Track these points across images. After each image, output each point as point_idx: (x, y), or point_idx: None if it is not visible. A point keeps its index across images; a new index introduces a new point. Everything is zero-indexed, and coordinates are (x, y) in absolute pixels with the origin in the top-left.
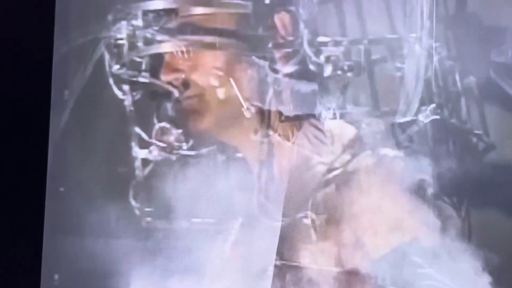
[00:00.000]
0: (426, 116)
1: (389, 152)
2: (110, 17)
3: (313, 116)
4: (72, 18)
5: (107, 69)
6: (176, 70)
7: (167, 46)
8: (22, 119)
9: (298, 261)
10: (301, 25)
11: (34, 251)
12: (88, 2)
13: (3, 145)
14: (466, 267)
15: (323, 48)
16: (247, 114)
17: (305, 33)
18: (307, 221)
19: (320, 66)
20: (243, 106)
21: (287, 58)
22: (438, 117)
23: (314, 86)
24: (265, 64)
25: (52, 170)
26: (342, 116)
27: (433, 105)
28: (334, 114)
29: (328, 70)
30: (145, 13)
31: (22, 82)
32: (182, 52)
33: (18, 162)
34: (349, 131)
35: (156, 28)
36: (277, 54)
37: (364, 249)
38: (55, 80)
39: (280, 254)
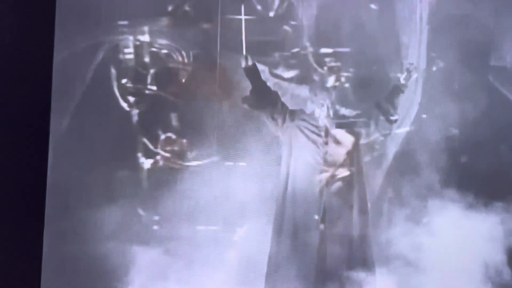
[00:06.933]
0: (405, 79)
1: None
2: (116, 32)
3: (306, 113)
4: (73, 24)
5: (114, 82)
6: (181, 82)
7: (172, 59)
8: (22, 123)
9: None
10: (305, 38)
11: (34, 255)
12: (88, 8)
13: (3, 148)
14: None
15: (326, 59)
16: (243, 63)
17: (308, 45)
18: (317, 217)
19: (322, 76)
20: (243, 54)
21: (290, 67)
22: (416, 75)
23: (308, 88)
24: (265, 69)
25: (53, 175)
26: (335, 115)
27: (408, 65)
28: (328, 111)
29: (331, 81)
30: (152, 28)
31: (22, 86)
32: (186, 64)
33: (18, 167)
34: (349, 140)
35: (161, 42)
36: (281, 63)
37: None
38: (55, 85)
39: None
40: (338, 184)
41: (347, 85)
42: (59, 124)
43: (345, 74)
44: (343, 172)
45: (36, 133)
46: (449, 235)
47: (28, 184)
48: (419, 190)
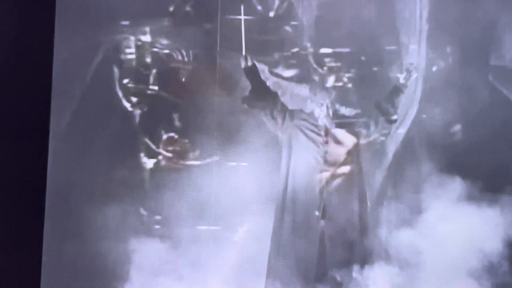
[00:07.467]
0: (405, 79)
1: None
2: (118, 32)
3: (305, 112)
4: (73, 24)
5: (116, 82)
6: (182, 82)
7: (173, 59)
8: (22, 123)
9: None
10: (305, 38)
11: (34, 255)
12: (88, 8)
13: (3, 148)
14: None
15: (325, 59)
16: (242, 63)
17: (308, 45)
18: (318, 213)
19: (322, 76)
20: (242, 54)
21: (290, 66)
22: (416, 75)
23: (307, 87)
24: (265, 68)
25: (53, 175)
26: (335, 114)
27: (408, 65)
28: (328, 110)
29: (330, 81)
30: (153, 28)
31: (22, 86)
32: (186, 63)
33: (18, 167)
34: (349, 140)
35: (163, 42)
36: (281, 63)
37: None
38: (55, 85)
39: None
40: (338, 183)
41: (349, 85)
42: (59, 124)
43: (347, 75)
44: (343, 172)
45: (36, 133)
46: (450, 233)
47: (28, 184)
48: (419, 189)
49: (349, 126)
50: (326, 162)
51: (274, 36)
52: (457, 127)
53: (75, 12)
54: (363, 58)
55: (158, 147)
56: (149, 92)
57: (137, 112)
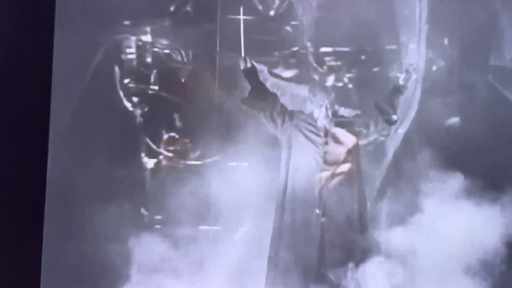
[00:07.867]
0: (404, 80)
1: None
2: (118, 32)
3: (305, 113)
4: (73, 24)
5: (117, 82)
6: (183, 82)
7: (173, 59)
8: (22, 124)
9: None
10: (305, 37)
11: (34, 255)
12: (88, 8)
13: (3, 148)
14: None
15: (325, 58)
16: (242, 65)
17: (308, 44)
18: (318, 211)
19: (322, 75)
20: (241, 55)
21: (290, 66)
22: (415, 76)
23: (307, 88)
24: (264, 68)
25: (52, 175)
26: (334, 115)
27: (407, 65)
28: (327, 111)
29: (330, 80)
30: (154, 28)
31: (22, 86)
32: (186, 63)
33: (18, 167)
34: (349, 140)
35: (163, 42)
36: (281, 62)
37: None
38: (55, 85)
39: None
40: (338, 183)
41: (350, 85)
42: (59, 124)
43: (348, 75)
44: (343, 171)
45: (36, 133)
46: (449, 232)
47: (28, 184)
48: (418, 188)
49: (349, 126)
50: (325, 162)
51: (274, 36)
52: (457, 127)
53: (75, 12)
54: (363, 57)
55: (158, 147)
56: (150, 92)
57: (138, 112)
